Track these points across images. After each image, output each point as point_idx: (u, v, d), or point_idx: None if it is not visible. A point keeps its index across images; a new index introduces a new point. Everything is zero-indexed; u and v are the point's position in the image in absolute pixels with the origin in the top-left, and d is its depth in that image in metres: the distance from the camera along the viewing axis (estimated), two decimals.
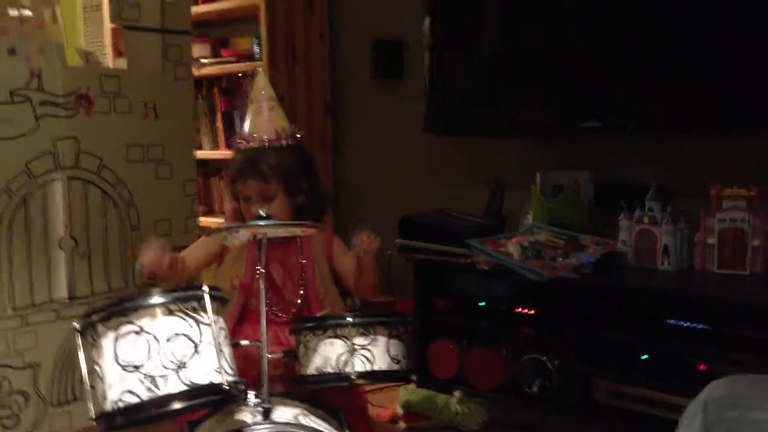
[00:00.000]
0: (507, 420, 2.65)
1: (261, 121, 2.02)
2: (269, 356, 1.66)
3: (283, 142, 2.02)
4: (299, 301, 1.99)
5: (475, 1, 2.91)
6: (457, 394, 2.65)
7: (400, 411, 2.67)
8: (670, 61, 2.46)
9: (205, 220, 3.48)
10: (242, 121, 2.16)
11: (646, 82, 2.50)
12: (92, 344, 1.41)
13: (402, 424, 2.65)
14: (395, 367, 1.70)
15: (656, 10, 2.47)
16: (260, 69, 2.09)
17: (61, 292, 2.56)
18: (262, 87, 2.02)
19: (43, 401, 2.52)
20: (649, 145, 2.72)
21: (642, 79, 2.51)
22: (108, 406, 1.37)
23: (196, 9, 3.53)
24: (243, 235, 1.64)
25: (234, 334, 1.89)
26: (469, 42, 2.96)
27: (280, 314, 1.97)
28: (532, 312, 2.61)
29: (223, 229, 1.63)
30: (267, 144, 2.00)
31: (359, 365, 1.66)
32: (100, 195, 2.65)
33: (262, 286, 1.60)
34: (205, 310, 1.43)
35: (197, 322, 1.41)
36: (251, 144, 2.00)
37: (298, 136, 2.04)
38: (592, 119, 2.63)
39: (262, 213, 1.66)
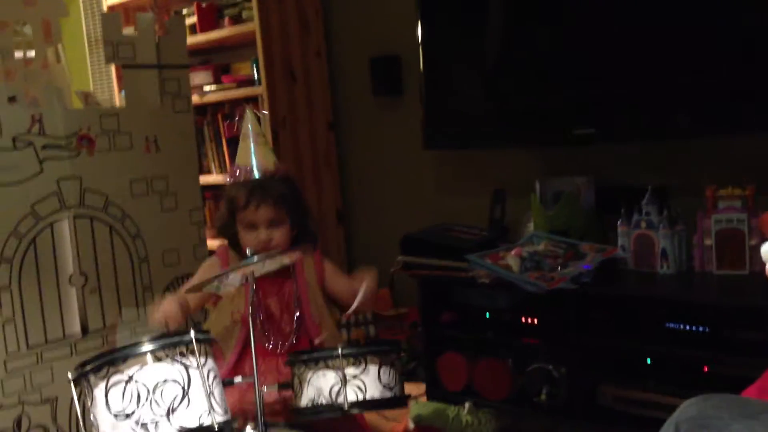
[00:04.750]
0: (517, 429, 2.68)
1: (255, 153, 2.08)
2: (266, 389, 1.71)
3: (280, 174, 2.09)
4: (294, 329, 2.03)
5: (468, 15, 2.94)
6: (467, 405, 2.68)
7: (411, 425, 2.71)
8: (659, 66, 2.47)
9: (214, 244, 3.54)
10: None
11: (639, 88, 2.52)
12: (86, 394, 1.47)
13: None
14: (388, 394, 1.74)
15: (648, 15, 2.49)
16: (248, 107, 2.15)
17: (74, 327, 2.63)
18: (249, 123, 2.07)
19: None
20: (646, 147, 2.73)
21: (635, 84, 2.53)
22: None
23: (196, 38, 3.60)
24: (234, 279, 1.68)
25: (236, 367, 1.94)
26: (464, 56, 2.99)
27: (279, 346, 2.01)
28: (536, 322, 2.64)
29: (211, 280, 1.66)
30: (267, 175, 2.06)
31: (352, 395, 1.70)
32: (107, 230, 2.72)
33: (251, 324, 1.65)
34: (193, 354, 1.48)
35: (185, 366, 1.47)
36: (250, 175, 2.05)
37: (287, 170, 2.10)
38: (587, 126, 2.65)
39: (248, 253, 1.71)
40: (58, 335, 2.59)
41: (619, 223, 2.58)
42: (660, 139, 2.62)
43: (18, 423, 2.49)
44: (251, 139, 2.07)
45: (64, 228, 2.61)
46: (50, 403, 2.57)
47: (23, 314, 2.50)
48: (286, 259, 1.79)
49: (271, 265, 1.74)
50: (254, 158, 2.08)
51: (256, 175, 2.05)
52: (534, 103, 2.79)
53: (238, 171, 2.07)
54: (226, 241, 2.18)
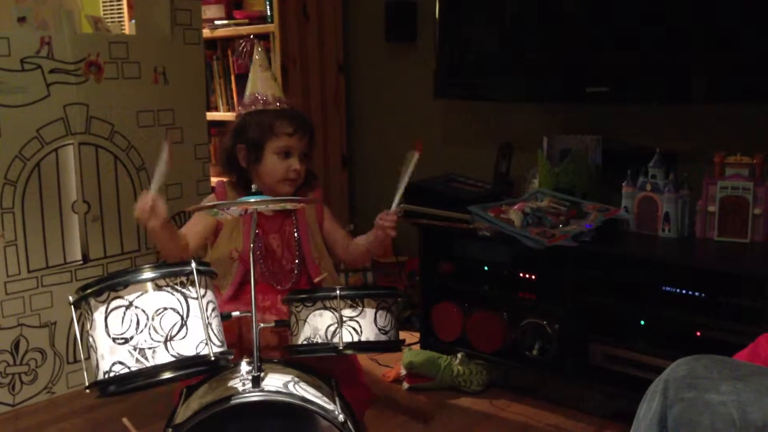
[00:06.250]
0: (507, 382, 2.72)
1: (269, 86, 2.04)
2: (262, 325, 1.72)
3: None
4: (295, 269, 2.04)
5: None
6: (459, 355, 2.72)
7: (403, 371, 2.74)
8: (677, 29, 2.44)
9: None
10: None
11: (656, 50, 2.49)
12: (86, 317, 1.48)
13: (405, 384, 2.72)
14: (383, 338, 1.75)
15: None
16: (258, 43, 2.11)
17: (75, 254, 2.65)
18: (259, 59, 2.04)
19: (60, 358, 2.64)
20: (656, 110, 2.71)
21: (650, 46, 2.50)
22: (101, 376, 1.45)
23: None
24: (234, 210, 1.68)
25: (233, 304, 1.95)
26: (481, 6, 2.95)
27: (278, 284, 2.02)
28: (534, 278, 2.65)
29: (213, 206, 1.66)
30: (293, 107, 2.04)
31: (347, 336, 1.71)
32: (111, 160, 2.72)
33: (251, 258, 1.65)
34: (193, 285, 1.49)
35: (185, 296, 1.47)
36: (280, 104, 2.01)
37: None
38: (599, 84, 2.63)
39: (253, 189, 1.70)
40: (59, 261, 2.61)
41: (624, 184, 2.58)
42: (673, 102, 2.60)
43: (16, 345, 2.52)
44: (269, 72, 2.04)
45: (69, 155, 2.61)
46: (48, 327, 2.60)
47: (25, 238, 2.52)
48: (289, 205, 1.78)
49: (274, 206, 1.74)
50: (260, 88, 2.02)
51: (285, 106, 2.02)
52: (548, 58, 2.77)
53: (264, 98, 2.00)
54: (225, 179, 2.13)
